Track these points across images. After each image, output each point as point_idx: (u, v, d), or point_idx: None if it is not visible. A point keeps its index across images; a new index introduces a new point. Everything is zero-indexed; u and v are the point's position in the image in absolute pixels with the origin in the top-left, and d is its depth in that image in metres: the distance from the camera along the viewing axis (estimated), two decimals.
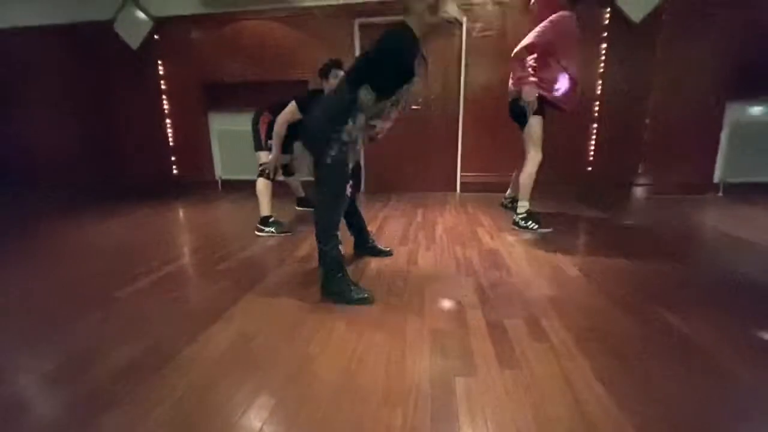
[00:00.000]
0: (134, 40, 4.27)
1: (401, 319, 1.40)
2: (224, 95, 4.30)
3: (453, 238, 2.41)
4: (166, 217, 3.23)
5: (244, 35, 4.11)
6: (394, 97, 1.52)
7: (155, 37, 4.26)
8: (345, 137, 1.48)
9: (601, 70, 3.71)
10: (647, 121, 3.75)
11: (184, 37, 4.23)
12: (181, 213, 3.41)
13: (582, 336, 1.26)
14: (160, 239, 2.55)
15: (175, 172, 4.62)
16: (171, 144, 4.55)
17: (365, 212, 2.18)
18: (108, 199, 3.96)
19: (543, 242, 2.31)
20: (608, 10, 3.58)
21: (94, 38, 4.34)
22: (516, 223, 2.57)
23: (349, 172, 1.56)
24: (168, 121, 4.49)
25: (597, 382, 1.03)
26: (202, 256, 2.16)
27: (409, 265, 1.93)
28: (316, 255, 1.69)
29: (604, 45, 3.66)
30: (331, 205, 1.56)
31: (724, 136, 3.72)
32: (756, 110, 3.65)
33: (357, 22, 3.98)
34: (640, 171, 3.85)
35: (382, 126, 1.61)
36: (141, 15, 4.19)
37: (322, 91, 2.61)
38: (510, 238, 2.39)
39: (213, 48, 4.21)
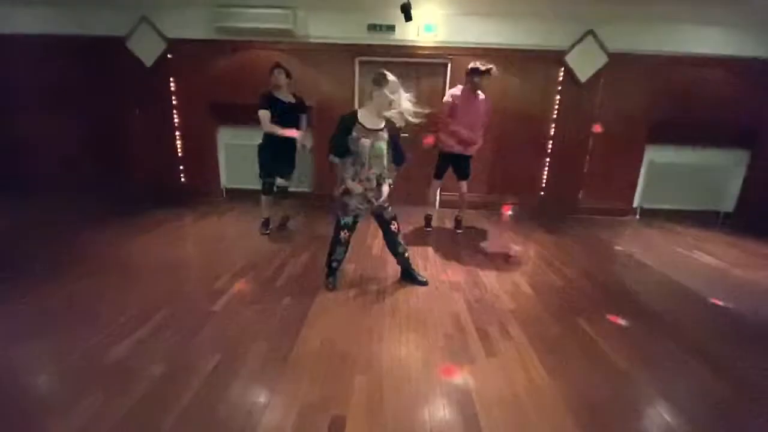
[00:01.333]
0: (148, 58, 4.59)
1: (422, 326, 2.17)
2: (233, 112, 4.76)
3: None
4: (195, 231, 3.75)
5: (254, 62, 4.58)
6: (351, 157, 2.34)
7: (168, 56, 4.61)
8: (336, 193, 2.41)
9: (555, 115, 4.63)
10: (587, 157, 4.74)
11: (196, 58, 4.62)
12: (204, 225, 3.92)
13: (533, 337, 2.09)
14: (209, 255, 3.12)
15: (182, 180, 5.03)
16: (180, 154, 4.95)
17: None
18: (125, 207, 4.33)
19: (507, 264, 3.17)
20: (562, 69, 4.47)
21: (109, 51, 4.59)
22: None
23: (347, 221, 2.44)
24: (177, 133, 4.88)
25: (540, 366, 1.85)
26: (259, 271, 2.78)
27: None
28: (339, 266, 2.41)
29: (558, 97, 4.56)
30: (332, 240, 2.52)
31: (642, 172, 4.80)
32: (665, 153, 4.75)
33: (357, 59, 4.59)
34: (580, 196, 4.86)
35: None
36: (155, 35, 4.52)
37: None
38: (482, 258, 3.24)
39: (224, 70, 4.64)
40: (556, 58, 4.43)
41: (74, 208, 4.29)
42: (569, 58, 4.39)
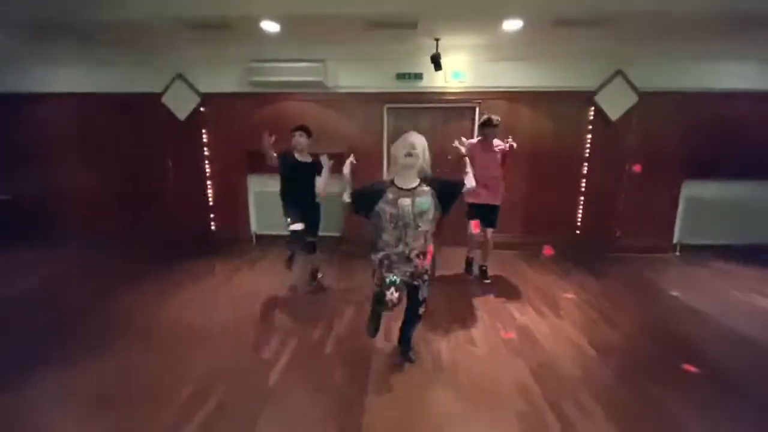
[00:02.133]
0: (182, 113, 4.72)
1: (490, 402, 2.04)
2: (262, 161, 4.80)
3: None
4: (231, 288, 3.69)
5: (285, 111, 4.67)
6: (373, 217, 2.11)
7: (201, 109, 4.74)
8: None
9: (587, 154, 4.58)
10: (623, 194, 4.64)
11: (228, 110, 4.74)
12: (239, 280, 3.87)
13: (609, 410, 1.95)
14: (250, 318, 3.05)
15: (213, 228, 5.06)
16: (210, 203, 5.00)
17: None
18: (159, 259, 4.34)
19: (558, 317, 3.04)
20: (592, 108, 4.46)
21: (144, 107, 4.75)
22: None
23: (387, 288, 2.01)
24: (209, 182, 4.95)
25: None
26: (304, 336, 2.69)
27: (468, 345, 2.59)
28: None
29: (589, 136, 4.53)
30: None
31: (680, 207, 4.68)
32: (704, 188, 4.63)
33: (386, 106, 4.66)
34: (617, 234, 4.73)
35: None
36: (189, 91, 4.67)
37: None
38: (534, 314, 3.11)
39: (256, 120, 4.73)
40: (586, 98, 4.43)
41: (110, 261, 4.31)
42: (599, 98, 4.39)
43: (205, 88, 4.68)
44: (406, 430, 1.84)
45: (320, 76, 4.36)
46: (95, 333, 2.74)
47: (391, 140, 4.59)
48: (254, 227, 5.08)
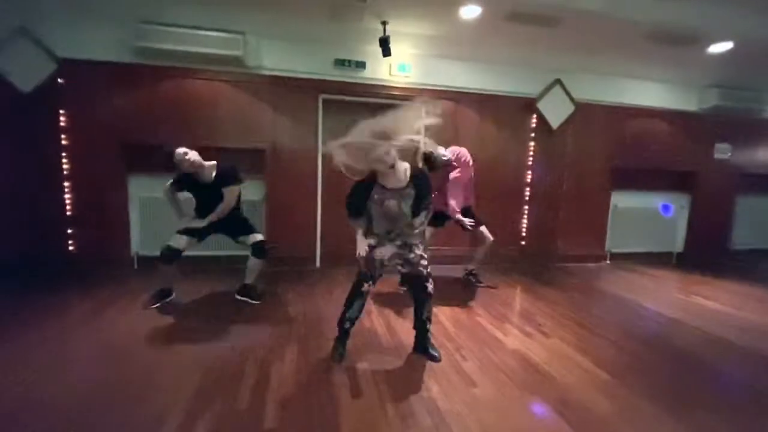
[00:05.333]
0: (26, 82, 3.30)
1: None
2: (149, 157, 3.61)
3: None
4: (106, 331, 2.43)
5: (188, 93, 3.60)
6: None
7: (59, 80, 3.38)
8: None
9: (530, 162, 4.46)
10: (562, 204, 4.61)
11: (100, 85, 3.46)
12: (116, 318, 2.61)
13: None
14: (141, 376, 1.91)
15: (71, 248, 3.57)
16: (68, 214, 3.53)
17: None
18: None
19: (545, 336, 2.58)
20: (534, 116, 4.38)
21: None
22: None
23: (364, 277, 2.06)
24: (66, 184, 3.51)
25: None
26: (226, 400, 1.70)
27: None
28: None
29: (532, 143, 4.43)
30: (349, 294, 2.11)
31: (610, 217, 4.83)
32: (626, 198, 4.88)
33: (321, 96, 3.92)
34: (558, 244, 4.66)
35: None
36: (39, 52, 3.29)
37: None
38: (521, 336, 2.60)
39: (143, 103, 3.55)
40: (529, 104, 4.34)
41: None
42: (541, 105, 4.33)
43: (65, 51, 3.36)
44: None
45: (238, 51, 3.45)
46: None
47: (326, 137, 3.88)
48: (136, 246, 3.74)
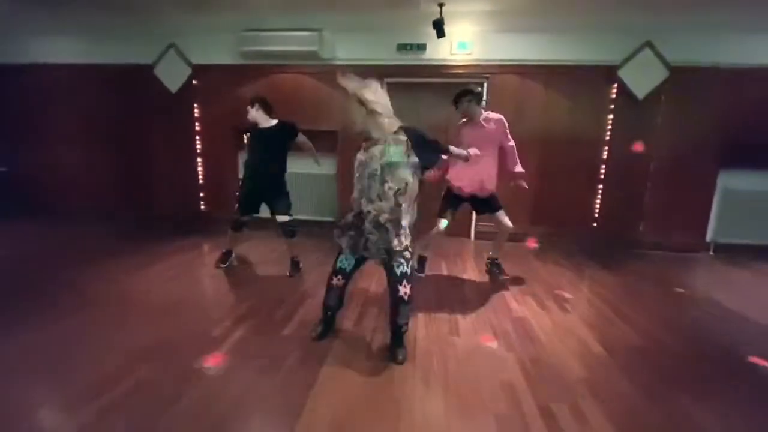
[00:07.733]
0: (173, 85, 4.52)
1: (464, 402, 1.64)
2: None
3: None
4: (206, 265, 3.41)
5: (279, 85, 4.39)
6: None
7: (193, 82, 4.52)
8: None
9: (608, 137, 4.08)
10: (648, 184, 4.11)
11: (220, 84, 4.50)
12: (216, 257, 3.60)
13: (616, 421, 1.52)
14: (214, 295, 2.76)
15: (202, 207, 4.82)
16: (200, 181, 4.77)
17: None
18: (143, 237, 4.12)
19: (563, 311, 2.59)
20: (615, 85, 3.97)
21: (135, 79, 4.58)
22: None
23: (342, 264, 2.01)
24: (199, 159, 4.72)
25: None
26: (264, 317, 2.36)
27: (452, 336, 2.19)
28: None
29: (611, 116, 4.04)
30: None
31: (716, 201, 4.10)
32: (743, 179, 4.04)
33: (384, 81, 4.29)
34: (641, 228, 4.20)
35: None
36: (181, 62, 4.46)
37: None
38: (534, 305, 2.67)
39: (246, 94, 4.46)
40: (608, 73, 3.95)
41: (93, 237, 4.12)
42: (623, 73, 3.89)
43: (197, 59, 4.47)
44: (350, 428, 1.47)
45: (315, 46, 4.05)
46: (42, 302, 2.49)
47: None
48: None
